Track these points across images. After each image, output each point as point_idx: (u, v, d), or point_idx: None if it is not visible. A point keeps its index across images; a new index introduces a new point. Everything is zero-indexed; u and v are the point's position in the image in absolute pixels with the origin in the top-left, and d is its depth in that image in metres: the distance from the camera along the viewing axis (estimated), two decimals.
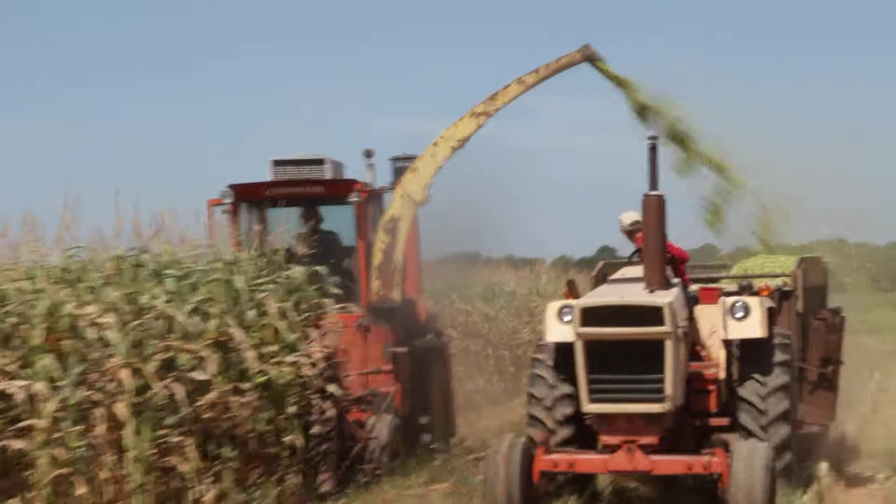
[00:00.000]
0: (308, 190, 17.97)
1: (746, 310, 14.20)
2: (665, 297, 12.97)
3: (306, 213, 18.31)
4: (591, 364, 12.79)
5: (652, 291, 13.12)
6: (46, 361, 11.90)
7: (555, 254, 45.88)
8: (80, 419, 11.97)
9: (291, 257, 16.64)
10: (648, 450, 12.84)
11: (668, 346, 12.71)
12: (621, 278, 14.42)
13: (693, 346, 14.61)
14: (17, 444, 11.43)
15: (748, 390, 14.16)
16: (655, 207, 13.25)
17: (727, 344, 14.44)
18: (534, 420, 14.46)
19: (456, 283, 31.37)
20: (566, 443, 13.95)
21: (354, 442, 15.78)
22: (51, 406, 11.57)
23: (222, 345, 13.66)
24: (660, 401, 12.73)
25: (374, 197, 18.22)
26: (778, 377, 14.24)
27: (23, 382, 11.46)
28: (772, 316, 15.22)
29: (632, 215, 14.09)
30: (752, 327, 14.19)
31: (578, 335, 12.86)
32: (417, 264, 19.23)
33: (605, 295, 13.66)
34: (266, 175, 18.11)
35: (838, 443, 19.04)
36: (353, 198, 17.42)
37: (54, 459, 11.56)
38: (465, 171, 19.61)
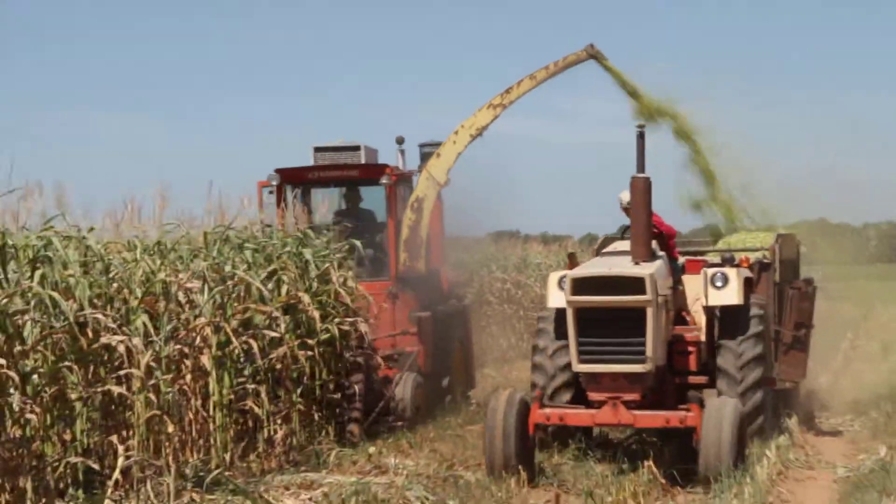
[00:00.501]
0: (344, 173, 19.15)
1: (725, 279, 15.04)
2: (647, 269, 13.61)
3: (347, 194, 19.56)
4: (581, 328, 13.48)
5: (637, 264, 13.79)
6: (143, 320, 12.63)
7: (583, 231, 46.97)
8: (171, 369, 12.99)
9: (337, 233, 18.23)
10: (631, 405, 13.51)
11: (650, 312, 13.38)
12: (613, 251, 15.02)
13: (679, 311, 15.37)
14: (118, 390, 12.12)
15: (726, 360, 14.94)
16: (642, 188, 13.93)
17: (709, 310, 15.22)
18: (536, 368, 15.27)
19: (495, 255, 33.77)
20: (564, 387, 14.65)
21: (380, 396, 16.82)
22: (146, 358, 12.20)
23: (292, 307, 15.28)
24: (641, 362, 13.44)
25: (403, 179, 19.26)
26: (753, 347, 14.99)
27: (123, 337, 12.05)
28: (749, 285, 15.98)
29: (629, 194, 14.50)
30: (730, 295, 15.05)
31: (569, 302, 13.57)
32: (441, 239, 20.09)
33: (595, 266, 14.32)
34: (308, 160, 19.22)
35: (811, 395, 20.16)
36: (384, 180, 18.51)
37: (149, 403, 12.30)
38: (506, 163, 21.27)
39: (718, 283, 14.99)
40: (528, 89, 19.33)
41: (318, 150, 19.16)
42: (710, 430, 12.87)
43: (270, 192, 18.77)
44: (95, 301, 12.41)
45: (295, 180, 19.13)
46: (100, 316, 12.14)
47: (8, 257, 11.45)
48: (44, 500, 11.16)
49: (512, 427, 13.44)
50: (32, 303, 11.46)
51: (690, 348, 14.93)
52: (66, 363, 11.69)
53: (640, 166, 13.96)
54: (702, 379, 14.93)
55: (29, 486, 11.00)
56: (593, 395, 13.69)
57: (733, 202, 20.73)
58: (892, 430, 17.78)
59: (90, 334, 12.14)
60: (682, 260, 15.85)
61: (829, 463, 15.57)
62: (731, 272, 15.18)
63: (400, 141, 19.74)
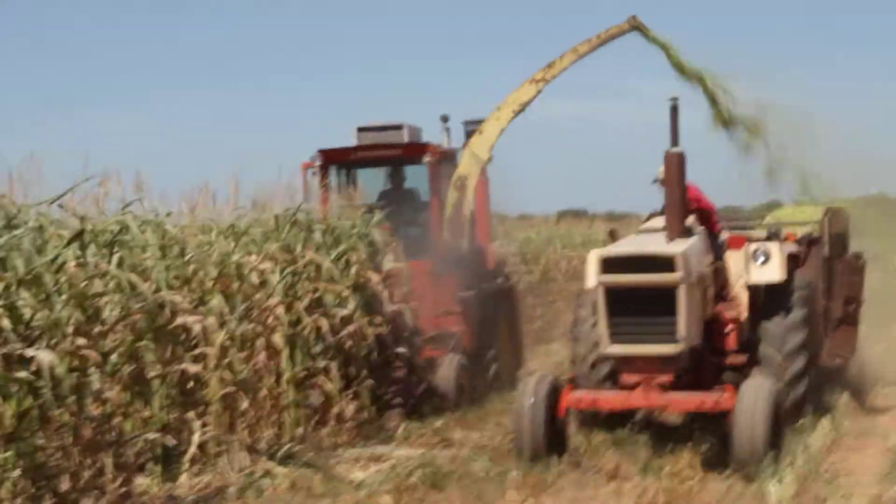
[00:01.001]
0: (387, 153, 18.60)
1: (767, 255, 14.35)
2: (679, 247, 12.81)
3: (392, 173, 19.16)
4: (611, 308, 12.74)
5: (671, 241, 13.07)
6: (217, 300, 13.04)
7: (649, 209, 47.27)
8: (244, 347, 13.32)
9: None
10: (664, 387, 12.75)
11: (681, 291, 12.57)
12: (649, 228, 14.32)
13: (722, 288, 14.55)
14: (194, 368, 12.23)
15: (770, 324, 14.18)
16: (676, 163, 13.23)
17: (752, 287, 14.47)
18: (576, 340, 14.69)
19: (560, 233, 34.30)
20: (603, 360, 13.92)
21: (422, 379, 16.32)
22: (220, 337, 12.60)
23: (360, 286, 15.48)
24: (674, 342, 12.64)
25: (446, 157, 18.64)
26: (796, 314, 14.24)
27: (198, 317, 12.25)
28: (794, 261, 15.18)
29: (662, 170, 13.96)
30: (772, 272, 14.34)
31: (599, 283, 12.84)
32: (488, 216, 19.59)
33: (625, 245, 13.62)
34: (351, 140, 18.68)
35: (864, 368, 19.11)
36: (427, 159, 18.13)
37: (223, 380, 12.64)
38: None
39: (760, 260, 14.41)
40: (571, 63, 18.67)
41: (360, 129, 18.71)
42: (743, 414, 12.10)
43: (314, 174, 18.41)
44: (172, 282, 12.80)
45: (338, 161, 18.83)
46: (177, 297, 12.47)
47: (88, 241, 11.63)
48: (123, 475, 11.41)
49: (541, 412, 12.83)
50: (111, 285, 11.73)
51: (731, 327, 14.20)
52: (144, 342, 12.00)
53: (675, 140, 13.30)
54: (741, 359, 14.18)
55: (109, 461, 11.28)
56: (625, 378, 13.02)
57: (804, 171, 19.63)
58: None
59: (167, 315, 12.46)
60: (724, 236, 15.14)
61: (881, 433, 15.41)
62: (773, 248, 14.49)
63: (445, 119, 19.34)
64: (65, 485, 10.95)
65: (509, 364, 19.33)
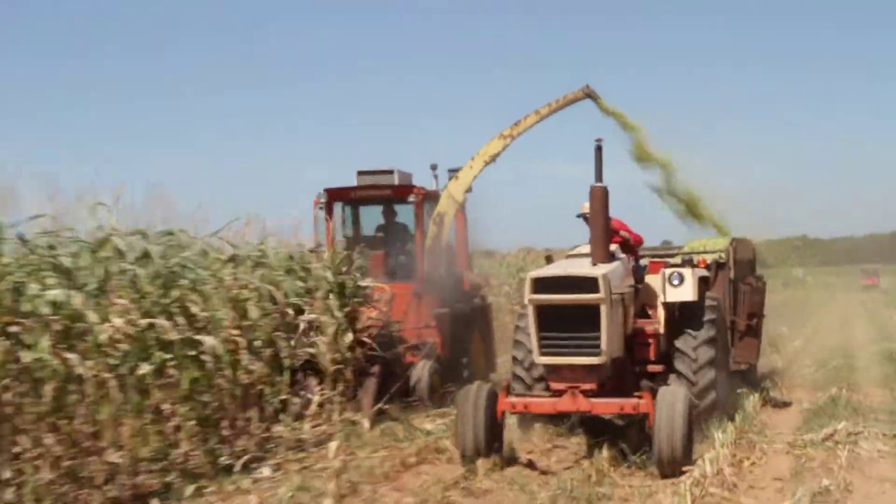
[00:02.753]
0: (380, 193, 19.76)
1: (681, 278, 14.57)
2: (601, 270, 12.73)
3: (385, 210, 20.26)
4: (542, 324, 12.76)
5: (595, 265, 13.06)
6: (327, 303, 15.95)
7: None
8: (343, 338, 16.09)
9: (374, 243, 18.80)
10: (589, 394, 12.76)
11: (603, 309, 12.55)
12: (577, 254, 14.56)
13: (642, 306, 14.74)
14: (311, 350, 15.52)
15: (682, 342, 14.37)
16: (600, 197, 13.14)
17: (668, 305, 14.63)
18: (516, 361, 14.89)
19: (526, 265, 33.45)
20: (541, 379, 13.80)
21: (398, 379, 17.01)
22: (331, 328, 15.76)
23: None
24: (597, 354, 12.66)
25: (430, 198, 19.50)
26: (706, 332, 14.44)
27: (313, 316, 15.68)
28: (705, 283, 15.37)
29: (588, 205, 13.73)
30: (685, 292, 14.55)
31: (530, 301, 12.79)
32: (466, 247, 20.76)
33: (554, 268, 13.57)
34: (353, 181, 19.82)
35: (770, 374, 20.82)
36: (411, 199, 19.27)
37: (333, 359, 15.79)
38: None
39: (675, 282, 14.59)
40: (534, 123, 19.72)
41: (360, 173, 19.80)
42: (662, 416, 12.04)
43: (320, 209, 19.54)
44: (298, 291, 15.51)
45: (339, 198, 19.86)
46: (299, 302, 15.30)
47: (238, 262, 14.60)
48: (265, 424, 14.13)
49: (481, 415, 12.81)
50: (255, 293, 14.44)
51: (650, 340, 14.34)
52: (277, 333, 14.70)
53: (599, 176, 13.21)
54: (659, 367, 14.21)
55: (255, 414, 13.92)
56: (554, 385, 12.89)
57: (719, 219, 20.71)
58: (842, 376, 21.13)
59: (293, 314, 15.18)
60: (645, 262, 15.46)
61: (797, 400, 18.24)
62: (687, 272, 14.57)
63: (434, 167, 20.44)
64: (225, 431, 13.56)
65: (483, 369, 20.34)
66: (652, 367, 14.21)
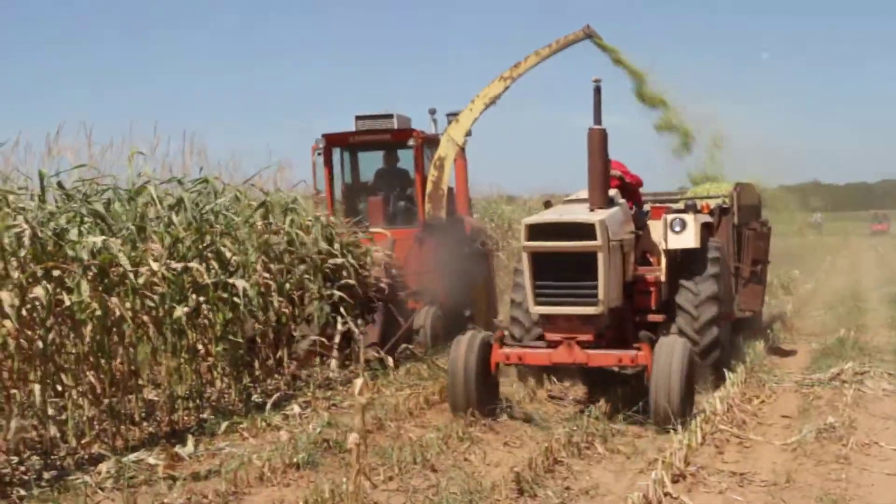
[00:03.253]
0: (379, 138, 19.20)
1: (683, 224, 13.97)
2: (599, 216, 12.06)
3: (386, 155, 19.75)
4: (536, 272, 12.15)
5: (592, 210, 12.41)
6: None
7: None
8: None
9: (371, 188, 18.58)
10: (585, 345, 12.13)
11: (600, 257, 11.93)
12: (575, 199, 13.95)
13: (644, 253, 14.24)
14: (339, 294, 15.72)
15: (684, 299, 13.82)
16: (598, 139, 12.46)
17: (670, 252, 14.03)
18: (515, 305, 14.28)
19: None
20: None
21: (400, 326, 16.77)
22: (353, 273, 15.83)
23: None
24: (594, 304, 12.02)
25: (429, 142, 19.04)
26: (708, 288, 13.87)
27: (342, 259, 15.97)
28: (709, 229, 14.81)
29: None
30: (687, 239, 13.96)
31: (524, 248, 12.17)
32: (466, 192, 20.36)
33: (550, 214, 12.87)
34: (352, 126, 19.31)
35: (780, 317, 20.76)
36: (411, 143, 18.83)
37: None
38: None
39: (677, 228, 14.00)
40: (534, 64, 19.05)
41: (358, 118, 19.26)
42: (660, 368, 11.49)
43: (319, 154, 19.13)
44: (327, 237, 15.61)
45: (338, 144, 19.31)
46: (327, 246, 15.58)
47: (269, 208, 14.84)
48: (294, 363, 14.75)
49: (473, 367, 12.21)
50: (285, 238, 14.89)
51: (651, 288, 13.78)
52: (307, 276, 14.95)
53: (597, 118, 12.57)
54: (660, 317, 13.66)
55: (285, 353, 14.54)
56: (549, 336, 12.28)
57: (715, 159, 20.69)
58: (851, 318, 21.41)
59: (322, 257, 15.45)
60: (647, 207, 14.90)
61: (806, 338, 18.85)
62: (689, 218, 14.01)
63: (433, 111, 20.01)
64: (256, 370, 14.15)
65: (486, 314, 19.93)
66: (652, 317, 13.64)
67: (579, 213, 12.32)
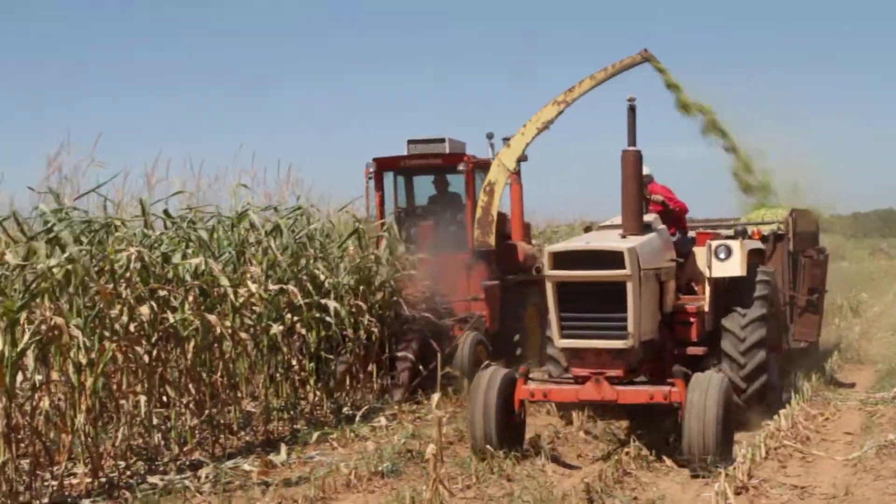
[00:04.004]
0: (430, 162, 18.51)
1: (728, 251, 13.05)
2: (629, 243, 11.18)
3: (437, 180, 19.02)
4: (562, 303, 11.33)
5: (623, 237, 11.53)
6: None
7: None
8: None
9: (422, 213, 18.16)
10: (615, 381, 11.15)
11: (630, 287, 11.01)
12: (609, 225, 12.97)
13: (688, 282, 13.36)
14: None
15: (730, 321, 12.88)
16: (633, 161, 11.64)
17: (715, 281, 13.09)
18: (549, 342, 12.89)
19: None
20: None
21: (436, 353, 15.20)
22: None
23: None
24: (623, 338, 11.08)
25: (480, 166, 18.29)
26: (756, 310, 12.90)
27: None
28: (760, 256, 13.96)
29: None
30: (733, 267, 13.03)
31: (548, 277, 11.35)
32: (521, 217, 19.21)
33: (577, 241, 12.04)
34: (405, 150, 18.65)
35: (833, 352, 19.08)
36: (461, 167, 18.04)
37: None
38: None
39: (721, 255, 13.14)
40: (589, 88, 18.22)
41: (410, 142, 18.64)
42: (694, 409, 10.50)
43: (370, 179, 18.45)
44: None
45: (389, 167, 18.64)
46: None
47: (361, 234, 15.78)
48: (382, 375, 15.33)
49: (493, 405, 11.30)
50: (376, 262, 15.77)
51: (692, 319, 12.82)
52: (396, 298, 15.91)
53: (632, 140, 11.81)
54: (700, 349, 12.75)
55: (374, 366, 15.24)
56: (576, 371, 11.41)
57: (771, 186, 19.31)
58: None
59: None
60: (692, 233, 14.07)
61: (871, 361, 18.65)
62: (734, 244, 13.14)
63: (490, 136, 19.19)
64: (347, 385, 14.70)
65: (539, 344, 17.90)
66: (692, 350, 12.69)
67: (608, 241, 11.47)
